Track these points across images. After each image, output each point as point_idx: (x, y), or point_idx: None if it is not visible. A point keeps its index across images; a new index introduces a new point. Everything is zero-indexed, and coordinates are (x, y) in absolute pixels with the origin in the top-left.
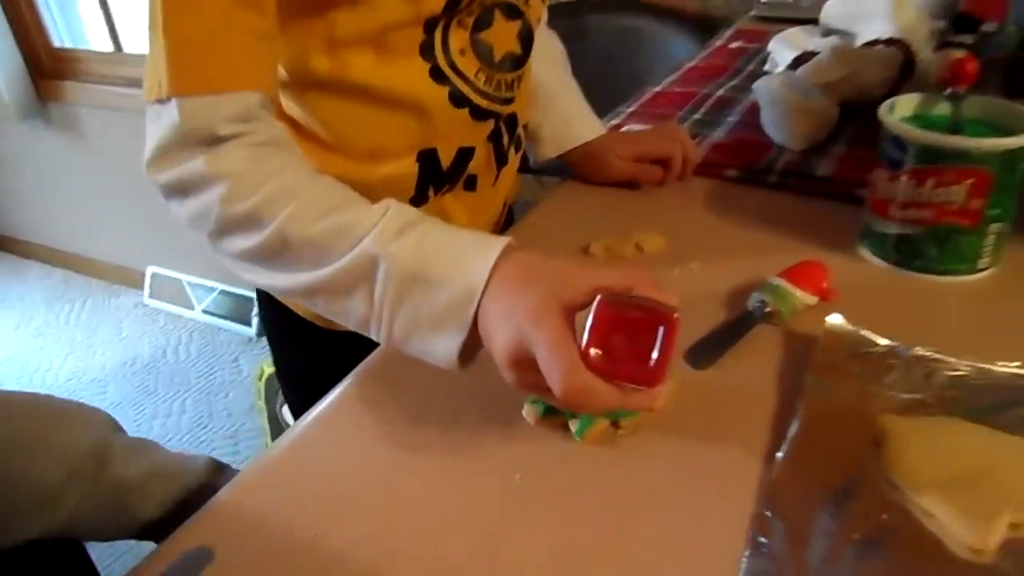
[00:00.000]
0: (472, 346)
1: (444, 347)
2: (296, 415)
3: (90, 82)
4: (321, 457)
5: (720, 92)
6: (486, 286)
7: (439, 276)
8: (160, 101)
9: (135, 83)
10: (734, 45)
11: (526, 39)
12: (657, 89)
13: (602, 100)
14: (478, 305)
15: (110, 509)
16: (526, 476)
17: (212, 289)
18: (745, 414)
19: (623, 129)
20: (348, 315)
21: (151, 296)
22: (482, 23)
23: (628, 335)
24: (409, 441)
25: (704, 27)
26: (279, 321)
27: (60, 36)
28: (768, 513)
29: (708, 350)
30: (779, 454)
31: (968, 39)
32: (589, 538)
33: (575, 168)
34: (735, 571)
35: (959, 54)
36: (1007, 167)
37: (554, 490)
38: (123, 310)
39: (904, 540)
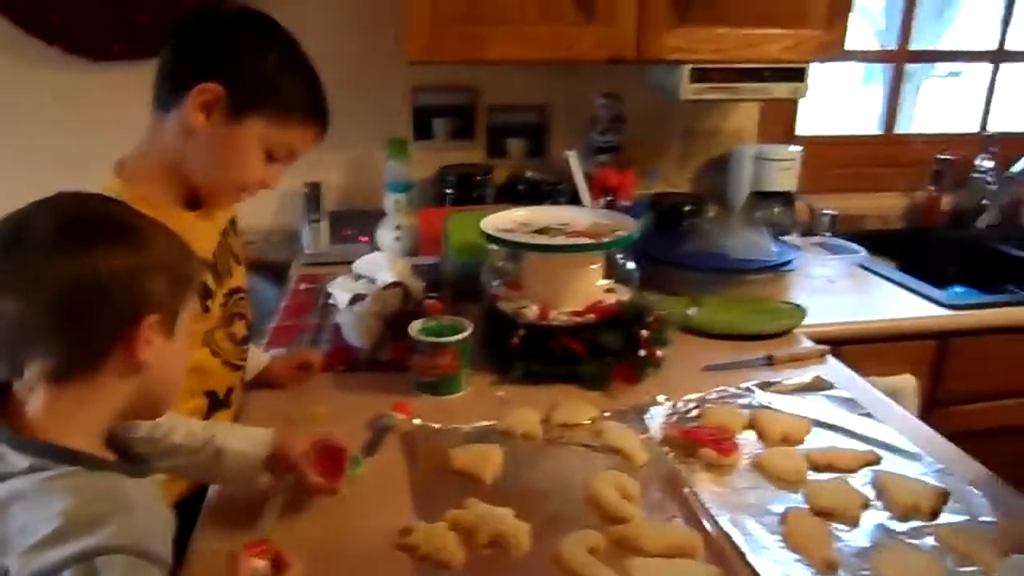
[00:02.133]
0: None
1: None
2: None
3: None
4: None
5: (314, 320)
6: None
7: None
8: None
9: None
10: (303, 286)
11: (249, 326)
12: (274, 325)
13: None
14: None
15: None
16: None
17: None
18: (394, 469)
19: (271, 352)
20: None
21: None
22: (230, 324)
23: (330, 459)
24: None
25: (272, 271)
26: None
27: None
28: (418, 503)
29: (371, 447)
30: (413, 479)
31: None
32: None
33: (259, 378)
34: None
35: (432, 300)
36: (463, 346)
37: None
38: None
39: (464, 483)
